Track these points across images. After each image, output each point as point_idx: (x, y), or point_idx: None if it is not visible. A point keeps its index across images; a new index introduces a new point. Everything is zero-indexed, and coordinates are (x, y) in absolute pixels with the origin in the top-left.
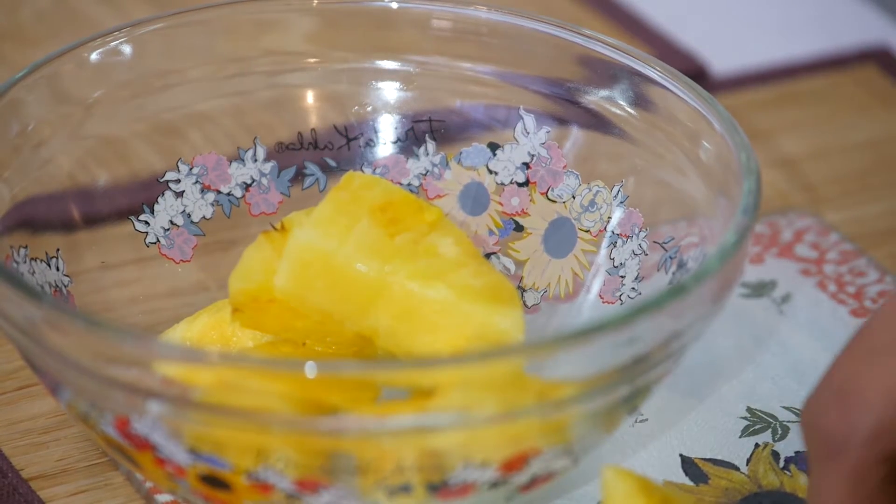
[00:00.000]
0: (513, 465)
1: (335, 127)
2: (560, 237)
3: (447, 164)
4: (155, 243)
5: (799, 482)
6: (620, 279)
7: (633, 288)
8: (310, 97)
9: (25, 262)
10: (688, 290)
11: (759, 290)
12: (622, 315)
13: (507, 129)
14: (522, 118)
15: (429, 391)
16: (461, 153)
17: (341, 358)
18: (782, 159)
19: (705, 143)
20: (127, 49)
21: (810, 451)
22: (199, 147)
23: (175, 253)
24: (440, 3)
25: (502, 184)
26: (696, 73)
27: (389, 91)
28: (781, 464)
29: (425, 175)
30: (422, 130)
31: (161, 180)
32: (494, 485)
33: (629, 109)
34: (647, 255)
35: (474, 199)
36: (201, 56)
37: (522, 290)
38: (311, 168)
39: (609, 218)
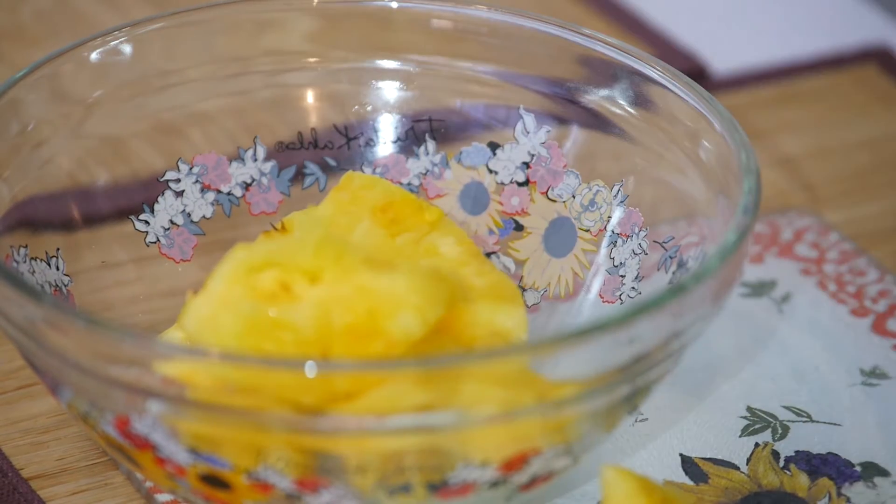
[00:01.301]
0: (513, 464)
1: (335, 126)
2: (560, 237)
3: (447, 163)
4: (155, 243)
5: (799, 482)
6: (620, 279)
7: (633, 287)
8: (310, 97)
9: (25, 261)
10: (688, 289)
11: (759, 290)
12: (622, 315)
13: (507, 128)
14: (522, 118)
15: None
16: (461, 153)
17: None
18: (782, 159)
19: (705, 143)
20: (127, 49)
21: None
22: (199, 147)
23: (175, 252)
24: (440, 3)
25: (502, 183)
26: (696, 73)
27: (389, 91)
28: (781, 463)
29: (425, 175)
30: (422, 130)
31: (161, 180)
32: (494, 484)
33: (629, 109)
34: (647, 254)
35: (474, 198)
36: (201, 56)
37: (522, 289)
38: (311, 168)
39: (609, 217)
